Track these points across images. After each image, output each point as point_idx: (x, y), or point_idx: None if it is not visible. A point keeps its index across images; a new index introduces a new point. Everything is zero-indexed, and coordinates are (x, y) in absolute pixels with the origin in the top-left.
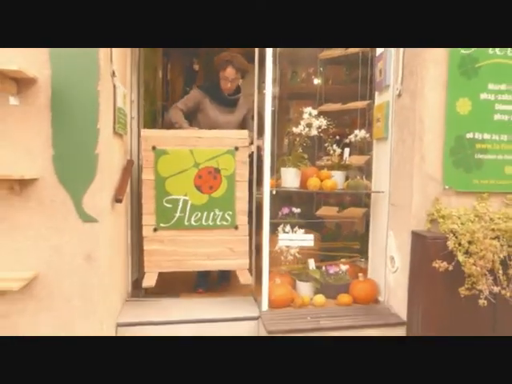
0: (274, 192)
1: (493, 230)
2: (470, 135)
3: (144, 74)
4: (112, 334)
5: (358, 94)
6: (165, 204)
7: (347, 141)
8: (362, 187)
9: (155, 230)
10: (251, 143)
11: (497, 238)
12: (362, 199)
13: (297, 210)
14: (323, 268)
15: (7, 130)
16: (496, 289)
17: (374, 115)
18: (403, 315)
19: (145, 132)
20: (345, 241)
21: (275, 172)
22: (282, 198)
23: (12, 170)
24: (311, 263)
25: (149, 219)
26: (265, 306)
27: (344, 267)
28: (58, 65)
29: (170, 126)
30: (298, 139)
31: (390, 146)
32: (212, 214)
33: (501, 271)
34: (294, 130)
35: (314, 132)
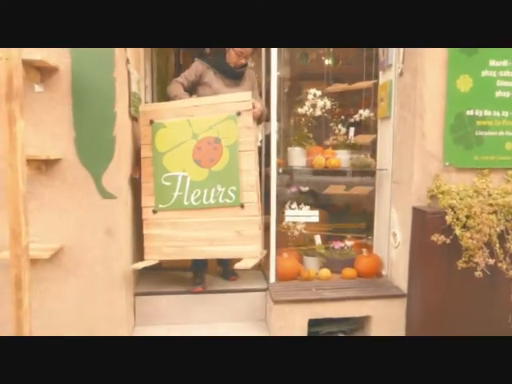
0: (281, 170)
1: (491, 204)
2: (470, 112)
3: (157, 60)
4: (131, 302)
5: (364, 73)
6: (163, 182)
7: (352, 120)
8: (366, 165)
9: (154, 211)
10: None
11: (495, 212)
12: (369, 178)
13: (305, 189)
14: (330, 244)
15: (33, 116)
16: (491, 261)
17: (379, 94)
18: (404, 288)
19: (143, 107)
20: (352, 220)
21: (282, 151)
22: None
23: (38, 151)
24: (317, 239)
25: (148, 200)
26: (272, 278)
27: (349, 243)
28: (76, 54)
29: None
30: (303, 119)
31: (393, 125)
32: (213, 190)
33: (498, 245)
34: (300, 110)
35: (318, 112)
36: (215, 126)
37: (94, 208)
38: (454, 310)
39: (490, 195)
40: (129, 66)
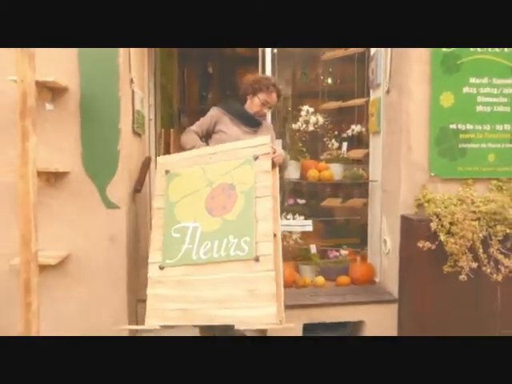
0: None
1: (474, 212)
2: (453, 126)
3: (161, 78)
4: (133, 308)
5: (355, 92)
6: (173, 234)
7: (345, 135)
8: (357, 177)
9: (161, 268)
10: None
11: (478, 219)
12: (364, 191)
13: (301, 201)
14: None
15: (44, 132)
16: (474, 265)
17: (369, 111)
18: (395, 293)
19: (160, 158)
20: (348, 231)
21: None
22: (292, 190)
23: (48, 165)
24: (313, 248)
25: (155, 255)
26: None
27: (344, 252)
28: (84, 74)
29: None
30: (297, 134)
31: (382, 139)
32: (225, 241)
33: (481, 250)
34: (293, 126)
35: (310, 128)
36: (230, 172)
37: (99, 218)
38: (442, 313)
39: (473, 203)
40: (133, 85)
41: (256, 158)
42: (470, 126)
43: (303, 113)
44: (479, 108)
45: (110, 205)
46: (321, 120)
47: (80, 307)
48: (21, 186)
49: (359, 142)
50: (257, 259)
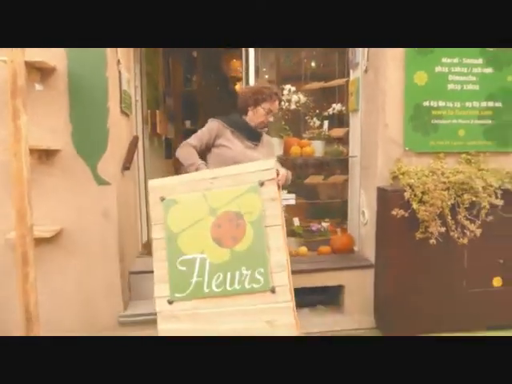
0: None
1: (444, 182)
2: (426, 103)
3: (146, 61)
4: (126, 279)
5: (336, 73)
6: (179, 267)
7: (326, 114)
8: (338, 153)
9: (170, 302)
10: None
11: (447, 189)
12: (344, 167)
13: None
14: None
15: (34, 113)
16: (443, 229)
17: (349, 90)
18: (372, 259)
19: (152, 182)
20: (329, 209)
21: None
22: None
23: (39, 143)
24: (296, 221)
25: (161, 289)
26: None
27: (326, 225)
28: (72, 55)
29: (180, 167)
30: (280, 113)
31: (360, 117)
32: (238, 274)
33: (449, 217)
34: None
35: (292, 106)
36: (236, 200)
37: (91, 194)
38: (415, 275)
39: (443, 174)
40: (120, 66)
41: (262, 185)
42: (441, 103)
43: (285, 91)
44: (450, 86)
45: (101, 181)
46: (302, 99)
47: (75, 280)
48: (14, 163)
49: (340, 121)
50: (273, 290)
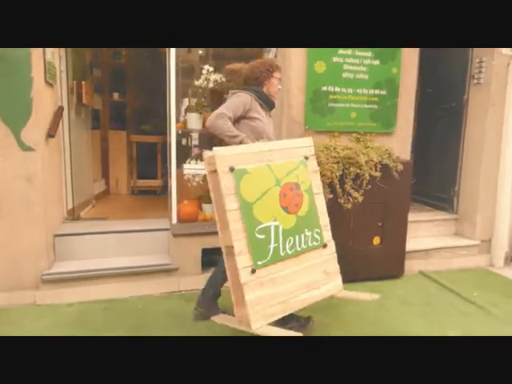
0: (180, 132)
1: (334, 157)
2: (324, 88)
3: None
4: (51, 240)
5: (255, 55)
6: (257, 236)
7: None
8: None
9: (253, 271)
10: None
11: (337, 162)
12: None
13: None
14: None
15: None
16: (330, 196)
17: None
18: None
19: (218, 151)
20: None
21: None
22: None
23: None
24: None
25: (244, 260)
26: (174, 220)
27: None
28: None
29: (218, 139)
30: (199, 90)
31: None
32: (303, 236)
33: (338, 186)
34: (196, 82)
35: (211, 85)
36: (294, 171)
37: (15, 159)
38: None
39: (334, 149)
40: None
41: (306, 158)
42: (337, 89)
43: (204, 71)
44: (345, 75)
45: (24, 147)
46: (219, 78)
47: (1, 242)
48: None
49: None
50: (325, 246)
